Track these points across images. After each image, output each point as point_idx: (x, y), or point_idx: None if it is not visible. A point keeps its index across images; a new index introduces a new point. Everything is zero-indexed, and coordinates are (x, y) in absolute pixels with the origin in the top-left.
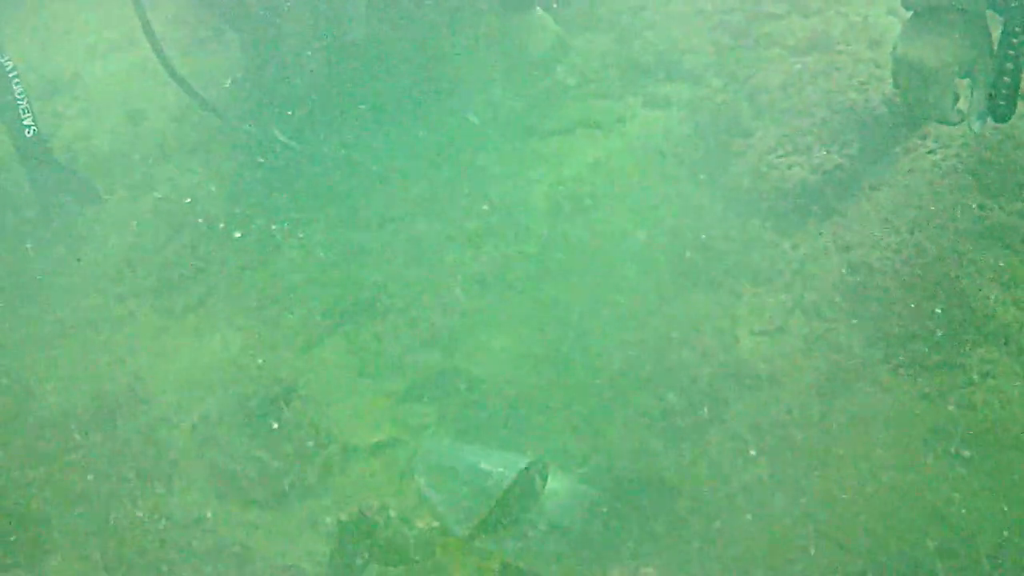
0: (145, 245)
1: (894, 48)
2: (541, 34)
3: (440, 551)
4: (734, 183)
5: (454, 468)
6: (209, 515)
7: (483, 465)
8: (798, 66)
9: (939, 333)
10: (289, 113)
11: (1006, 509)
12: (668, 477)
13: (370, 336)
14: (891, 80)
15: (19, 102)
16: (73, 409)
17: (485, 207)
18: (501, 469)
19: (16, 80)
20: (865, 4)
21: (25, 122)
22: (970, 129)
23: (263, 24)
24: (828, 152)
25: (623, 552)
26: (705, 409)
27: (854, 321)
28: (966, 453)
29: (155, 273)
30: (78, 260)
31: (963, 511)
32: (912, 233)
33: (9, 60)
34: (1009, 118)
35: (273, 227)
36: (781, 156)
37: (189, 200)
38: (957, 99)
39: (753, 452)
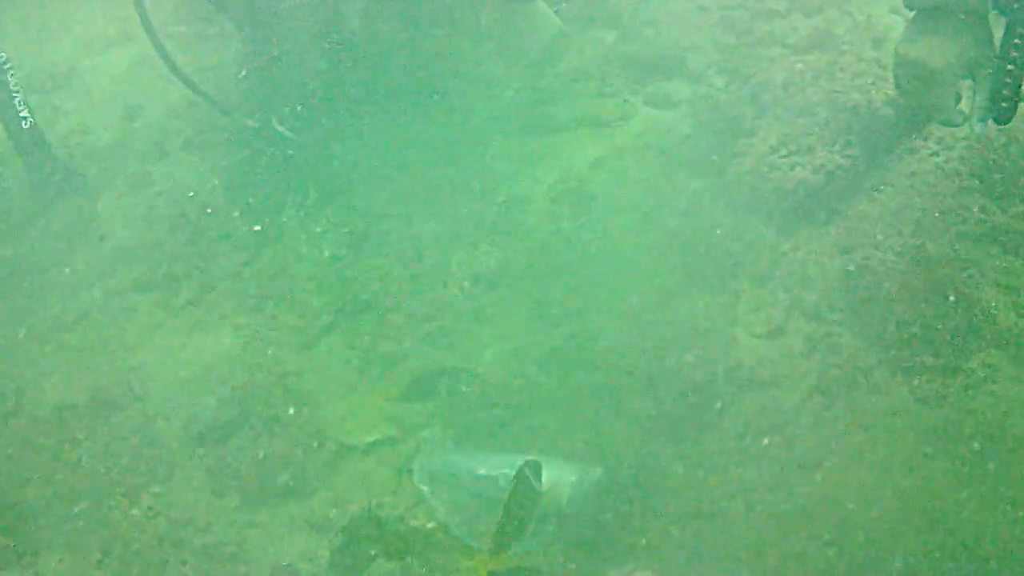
0: (143, 240)
1: (896, 47)
2: (542, 27)
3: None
4: (736, 183)
5: (455, 476)
6: (205, 513)
7: (482, 471)
8: (800, 65)
9: (939, 337)
10: (286, 109)
11: (1005, 513)
12: (666, 478)
13: (369, 334)
14: (893, 80)
15: (15, 94)
16: (70, 405)
17: (485, 205)
18: (505, 471)
19: (11, 72)
20: (868, 3)
21: (21, 113)
22: (972, 130)
23: (262, 19)
24: (830, 152)
25: (621, 553)
26: (704, 411)
27: (854, 323)
28: (965, 457)
29: (153, 268)
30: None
31: (962, 514)
32: (914, 235)
33: (3, 52)
34: (1010, 120)
35: (272, 223)
36: (783, 156)
37: (190, 195)
38: (959, 99)
39: (752, 454)
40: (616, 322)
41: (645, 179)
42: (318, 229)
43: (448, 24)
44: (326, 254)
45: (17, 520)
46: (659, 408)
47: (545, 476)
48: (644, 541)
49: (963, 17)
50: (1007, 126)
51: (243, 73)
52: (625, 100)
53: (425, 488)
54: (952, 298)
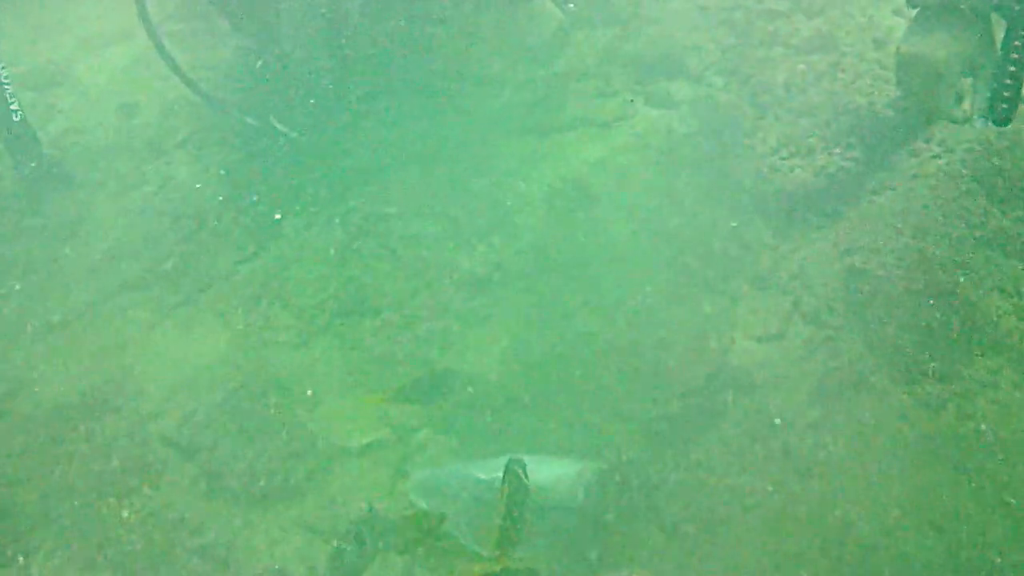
0: (136, 239)
1: (899, 44)
2: (543, 22)
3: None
4: (735, 184)
5: (451, 486)
6: (196, 514)
7: (481, 475)
8: (802, 66)
9: (939, 341)
10: (285, 107)
11: (1005, 519)
12: (664, 481)
13: (363, 334)
14: (895, 79)
15: (5, 86)
16: (61, 404)
17: (485, 205)
18: (501, 474)
19: (1, 65)
20: (870, 4)
21: (12, 107)
22: (973, 127)
23: (262, 17)
24: (831, 155)
25: (620, 553)
26: (703, 413)
27: (854, 327)
28: (965, 462)
29: (147, 268)
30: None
31: (961, 520)
32: (915, 239)
33: None
34: (1010, 121)
35: (267, 221)
36: (784, 158)
37: (187, 193)
38: (961, 98)
39: (749, 458)
40: (616, 323)
41: (645, 179)
42: (315, 228)
43: (448, 21)
44: (320, 253)
45: (8, 521)
46: (658, 410)
47: (545, 473)
48: (643, 542)
49: (965, 16)
50: (1007, 128)
51: (259, 63)
52: (631, 100)
53: (422, 503)
54: (952, 303)
